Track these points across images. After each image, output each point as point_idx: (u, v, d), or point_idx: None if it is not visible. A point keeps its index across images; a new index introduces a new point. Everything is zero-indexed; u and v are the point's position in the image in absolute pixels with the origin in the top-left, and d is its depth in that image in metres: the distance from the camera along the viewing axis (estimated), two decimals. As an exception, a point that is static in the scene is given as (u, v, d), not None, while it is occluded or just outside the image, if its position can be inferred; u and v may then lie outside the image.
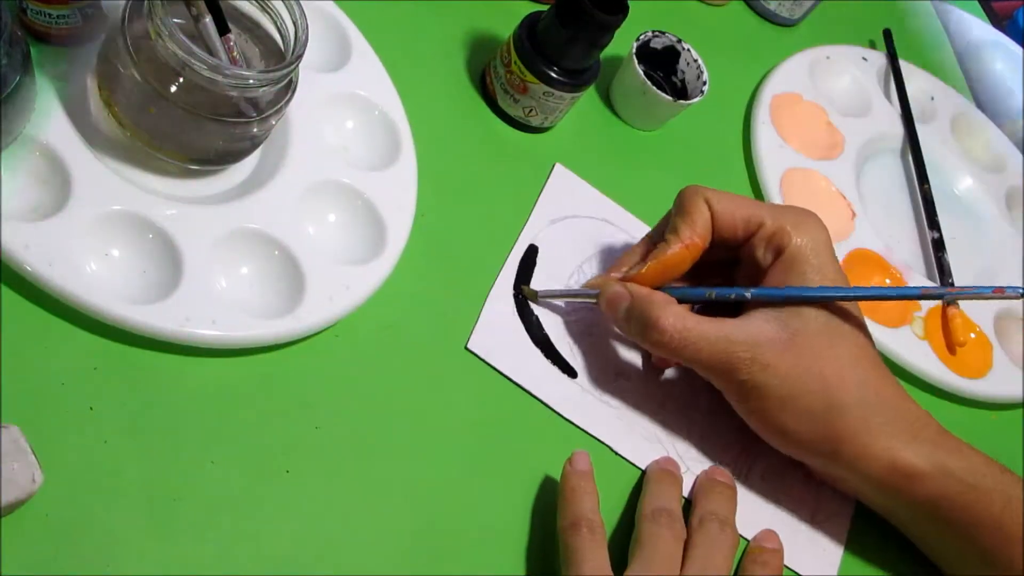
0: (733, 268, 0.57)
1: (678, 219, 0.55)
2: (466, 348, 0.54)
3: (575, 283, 0.59)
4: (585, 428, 0.55)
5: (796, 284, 0.52)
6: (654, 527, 0.49)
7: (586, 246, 0.61)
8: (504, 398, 0.54)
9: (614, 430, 0.55)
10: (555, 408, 0.54)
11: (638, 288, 0.54)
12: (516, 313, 0.56)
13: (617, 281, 0.55)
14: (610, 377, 0.57)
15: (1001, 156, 0.87)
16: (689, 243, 0.54)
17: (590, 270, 0.60)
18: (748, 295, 0.53)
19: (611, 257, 0.61)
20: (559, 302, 0.58)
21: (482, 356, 0.54)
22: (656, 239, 0.56)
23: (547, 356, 0.56)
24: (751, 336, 0.51)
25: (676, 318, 0.51)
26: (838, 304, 0.52)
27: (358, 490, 0.48)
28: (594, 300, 0.56)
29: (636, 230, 0.63)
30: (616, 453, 0.55)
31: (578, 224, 0.62)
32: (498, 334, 0.55)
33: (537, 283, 0.58)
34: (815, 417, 0.51)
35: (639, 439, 0.56)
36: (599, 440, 0.55)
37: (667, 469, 0.54)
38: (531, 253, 0.58)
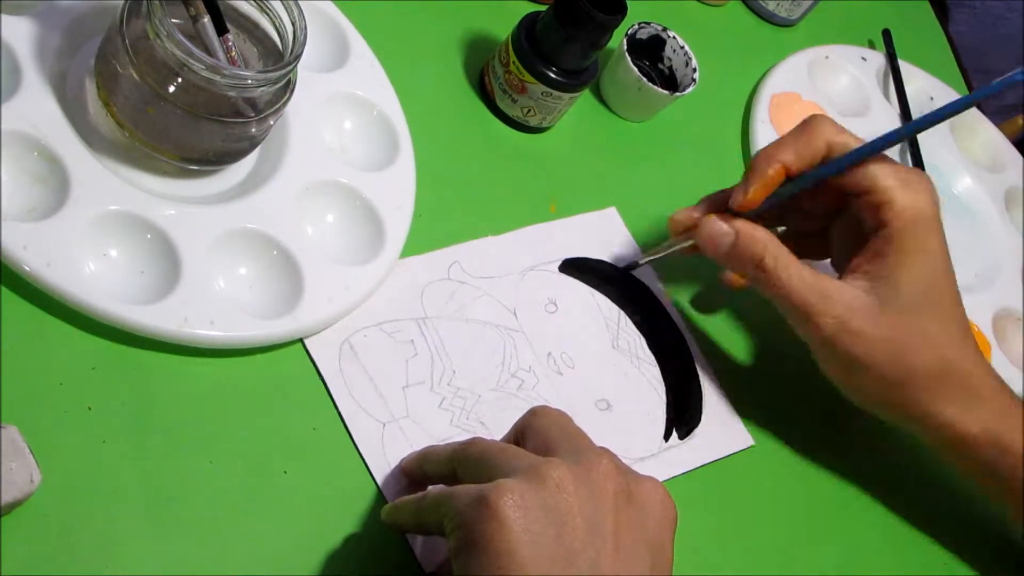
0: (830, 220, 0.58)
1: (790, 139, 0.55)
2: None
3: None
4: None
5: (893, 261, 0.54)
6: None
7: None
8: (502, 398, 0.54)
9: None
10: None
11: (744, 225, 0.54)
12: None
13: (718, 216, 0.55)
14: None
15: (1000, 156, 0.87)
16: (788, 165, 0.54)
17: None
18: (846, 160, 0.54)
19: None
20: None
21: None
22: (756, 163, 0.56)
23: None
24: (845, 299, 0.53)
25: (780, 260, 0.53)
26: (935, 277, 0.55)
27: (356, 490, 0.48)
28: (690, 243, 0.57)
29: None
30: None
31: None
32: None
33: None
34: (888, 384, 0.54)
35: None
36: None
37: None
38: None
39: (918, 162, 0.79)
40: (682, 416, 0.58)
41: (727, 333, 0.64)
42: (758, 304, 0.60)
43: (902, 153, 0.81)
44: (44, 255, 0.44)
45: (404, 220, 0.55)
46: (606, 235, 0.63)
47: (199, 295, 0.47)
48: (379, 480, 0.48)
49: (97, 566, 0.41)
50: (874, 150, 0.54)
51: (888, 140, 0.54)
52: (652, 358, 0.59)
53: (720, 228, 0.54)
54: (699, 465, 0.57)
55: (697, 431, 0.58)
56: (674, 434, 0.58)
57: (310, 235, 0.52)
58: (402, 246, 0.54)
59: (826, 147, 0.55)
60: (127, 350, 0.45)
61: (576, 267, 0.60)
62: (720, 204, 0.57)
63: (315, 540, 0.46)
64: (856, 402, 0.57)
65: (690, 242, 0.57)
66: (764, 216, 0.56)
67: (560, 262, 0.60)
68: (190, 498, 0.44)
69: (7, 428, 0.39)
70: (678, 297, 0.63)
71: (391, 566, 0.47)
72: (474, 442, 0.45)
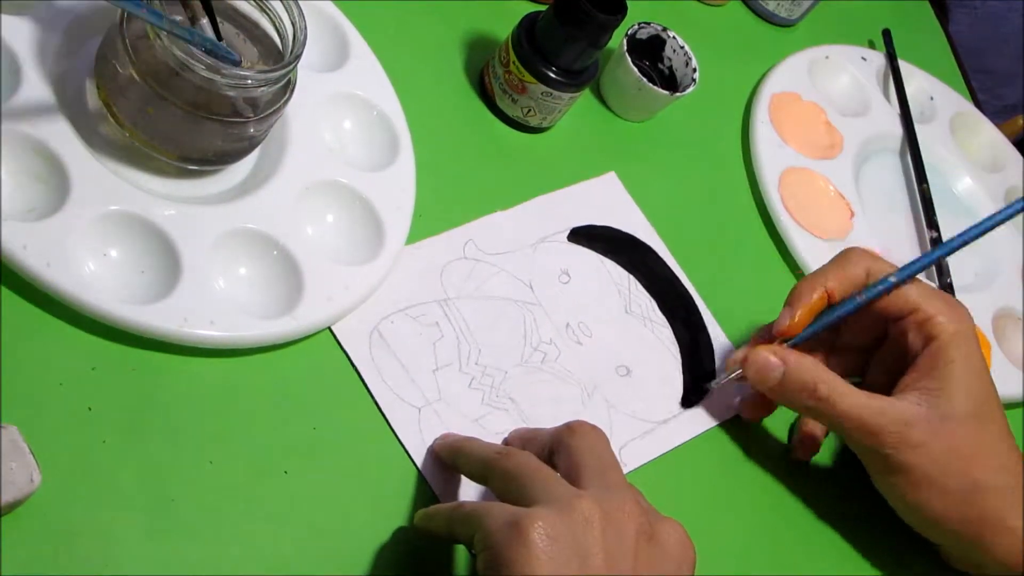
0: (870, 354, 0.59)
1: (831, 267, 0.57)
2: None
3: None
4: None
5: (944, 373, 0.54)
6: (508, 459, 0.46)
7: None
8: (502, 398, 0.54)
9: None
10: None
11: (792, 355, 0.54)
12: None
13: (765, 348, 0.55)
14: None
15: (1000, 156, 0.87)
16: (831, 291, 0.56)
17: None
18: (893, 279, 0.56)
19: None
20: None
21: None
22: (800, 291, 0.57)
23: None
24: (903, 413, 0.53)
25: (832, 386, 0.53)
26: (985, 390, 0.55)
27: (356, 490, 0.48)
28: (738, 372, 0.56)
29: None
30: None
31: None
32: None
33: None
34: (957, 497, 0.54)
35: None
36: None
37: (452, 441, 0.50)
38: None
39: (918, 163, 0.79)
40: (698, 375, 0.60)
41: (734, 289, 0.65)
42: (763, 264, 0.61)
43: (903, 155, 0.81)
44: (44, 255, 0.44)
45: (404, 220, 0.55)
46: (609, 201, 0.64)
47: (199, 295, 0.47)
48: (419, 464, 0.49)
49: (97, 566, 0.41)
50: (920, 269, 0.56)
51: (931, 260, 0.57)
52: (664, 320, 0.61)
53: (769, 360, 0.55)
54: (720, 422, 0.59)
55: (713, 388, 0.60)
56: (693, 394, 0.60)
57: (310, 235, 0.52)
58: (402, 246, 0.54)
59: (865, 274, 0.56)
60: (127, 350, 0.45)
61: (584, 235, 0.61)
62: (770, 337, 0.57)
63: (314, 541, 0.46)
64: (923, 526, 0.56)
65: (738, 371, 0.56)
66: (810, 348, 0.57)
67: (568, 231, 0.61)
68: (190, 498, 0.44)
69: (7, 428, 0.39)
70: (683, 259, 0.64)
71: (394, 565, 0.47)
72: (509, 456, 0.45)
